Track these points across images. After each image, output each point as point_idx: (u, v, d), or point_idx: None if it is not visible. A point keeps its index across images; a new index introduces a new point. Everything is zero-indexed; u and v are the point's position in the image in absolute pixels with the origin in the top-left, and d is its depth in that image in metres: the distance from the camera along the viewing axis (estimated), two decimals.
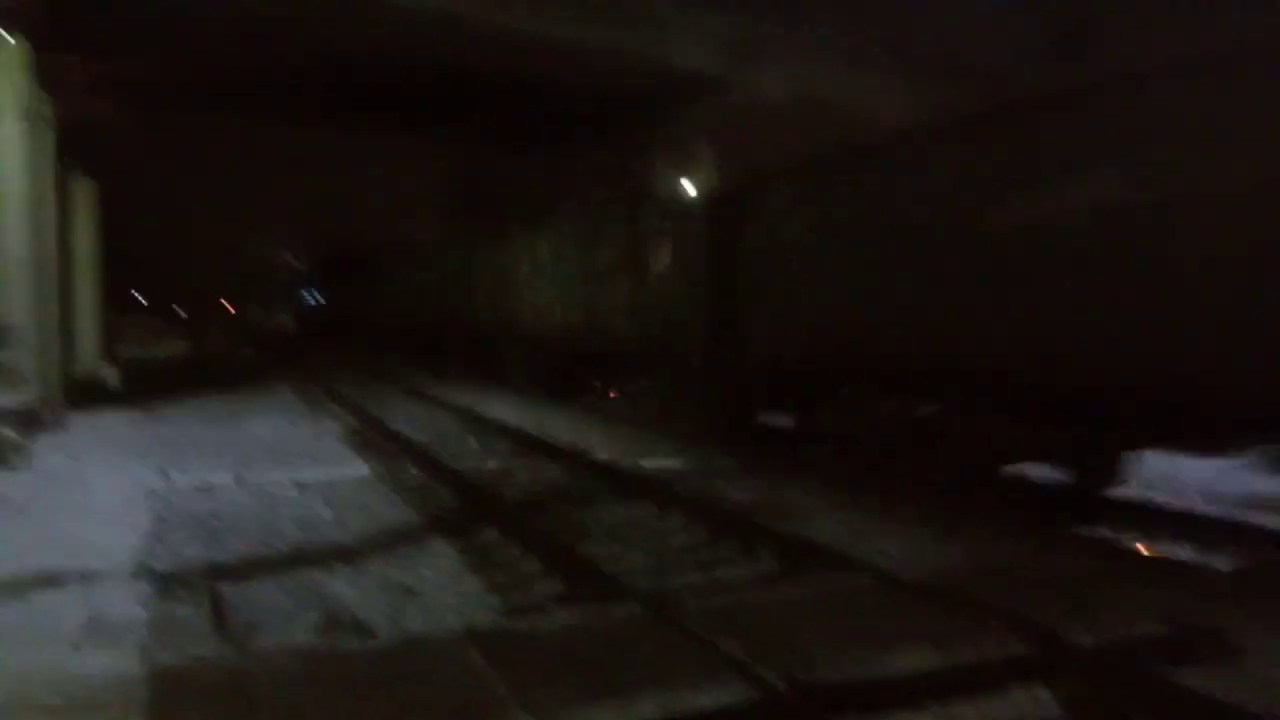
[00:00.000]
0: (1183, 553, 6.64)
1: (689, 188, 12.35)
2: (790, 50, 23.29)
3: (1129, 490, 7.79)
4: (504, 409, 14.45)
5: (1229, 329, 5.43)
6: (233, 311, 72.86)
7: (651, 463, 9.76)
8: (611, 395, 15.31)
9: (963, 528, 6.79)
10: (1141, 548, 6.68)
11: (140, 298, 59.42)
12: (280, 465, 9.54)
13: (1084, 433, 6.80)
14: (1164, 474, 8.26)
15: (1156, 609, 4.51)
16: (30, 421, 11.60)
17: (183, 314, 53.74)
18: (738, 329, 10.36)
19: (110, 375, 18.16)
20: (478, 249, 21.04)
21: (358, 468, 9.58)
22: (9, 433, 10.52)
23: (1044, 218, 6.36)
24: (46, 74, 14.31)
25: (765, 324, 9.96)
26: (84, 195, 20.00)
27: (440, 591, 5.52)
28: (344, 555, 6.20)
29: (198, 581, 5.39)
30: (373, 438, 11.68)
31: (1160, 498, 8.08)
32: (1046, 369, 6.62)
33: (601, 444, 10.90)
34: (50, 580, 5.33)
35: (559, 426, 12.51)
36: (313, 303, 48.20)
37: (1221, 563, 6.31)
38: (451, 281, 22.55)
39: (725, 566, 6.10)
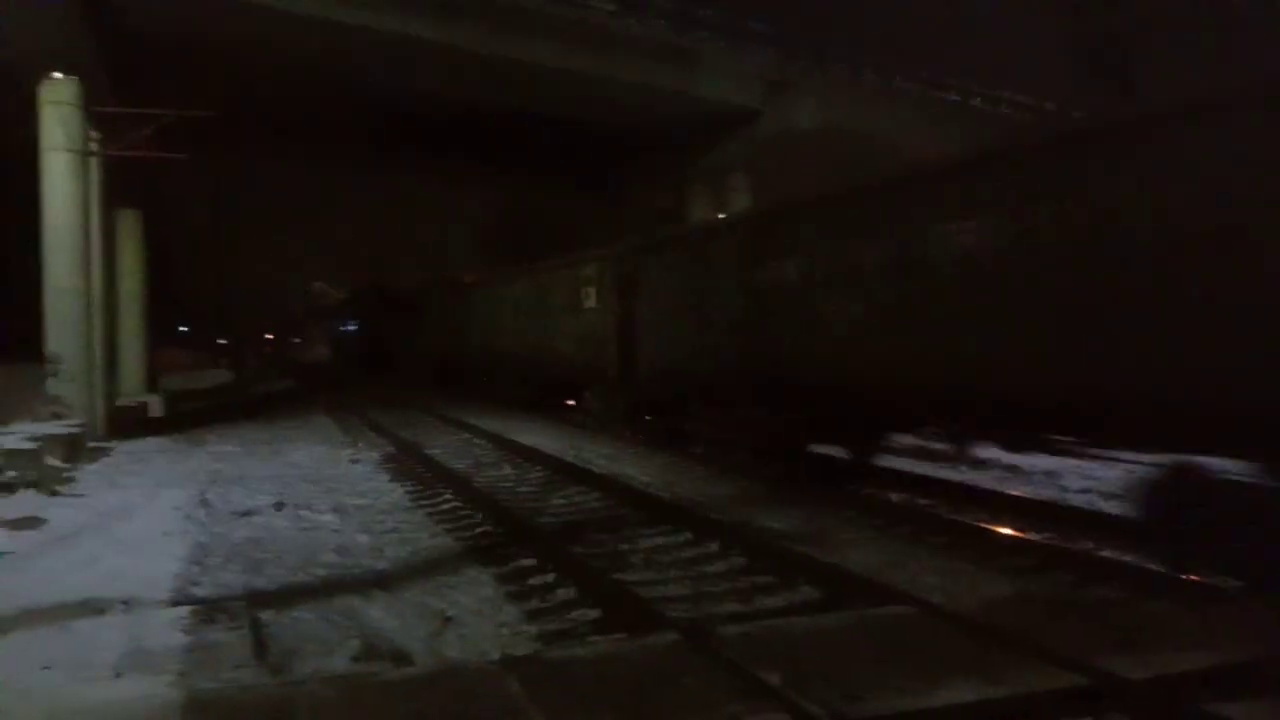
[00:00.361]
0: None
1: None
2: (821, 85, 23.35)
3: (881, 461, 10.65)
4: (538, 436, 14.46)
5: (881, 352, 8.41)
6: (272, 342, 73.79)
7: (693, 490, 9.70)
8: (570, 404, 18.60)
9: (1001, 559, 6.65)
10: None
11: (184, 328, 60.30)
12: (319, 493, 9.58)
13: (853, 421, 9.98)
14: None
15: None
16: (75, 449, 11.75)
17: (225, 345, 54.41)
18: (635, 352, 13.50)
19: (154, 404, 18.38)
20: (495, 288, 22.19)
21: (395, 494, 9.60)
22: (55, 461, 10.66)
23: (773, 280, 10.02)
24: (96, 111, 14.63)
25: (647, 348, 13.10)
26: (130, 227, 20.33)
27: (477, 619, 5.47)
28: (382, 582, 6.17)
29: (238, 609, 5.37)
30: (410, 465, 11.71)
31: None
32: (800, 374, 9.61)
33: (640, 471, 10.85)
34: (92, 607, 5.34)
35: (592, 452, 12.51)
36: (350, 334, 48.72)
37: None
38: (479, 316, 23.78)
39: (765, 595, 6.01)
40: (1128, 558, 6.64)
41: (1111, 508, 8.37)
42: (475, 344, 23.21)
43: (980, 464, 11.02)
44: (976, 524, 7.72)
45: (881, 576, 5.99)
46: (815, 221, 9.39)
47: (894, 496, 9.43)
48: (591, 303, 15.71)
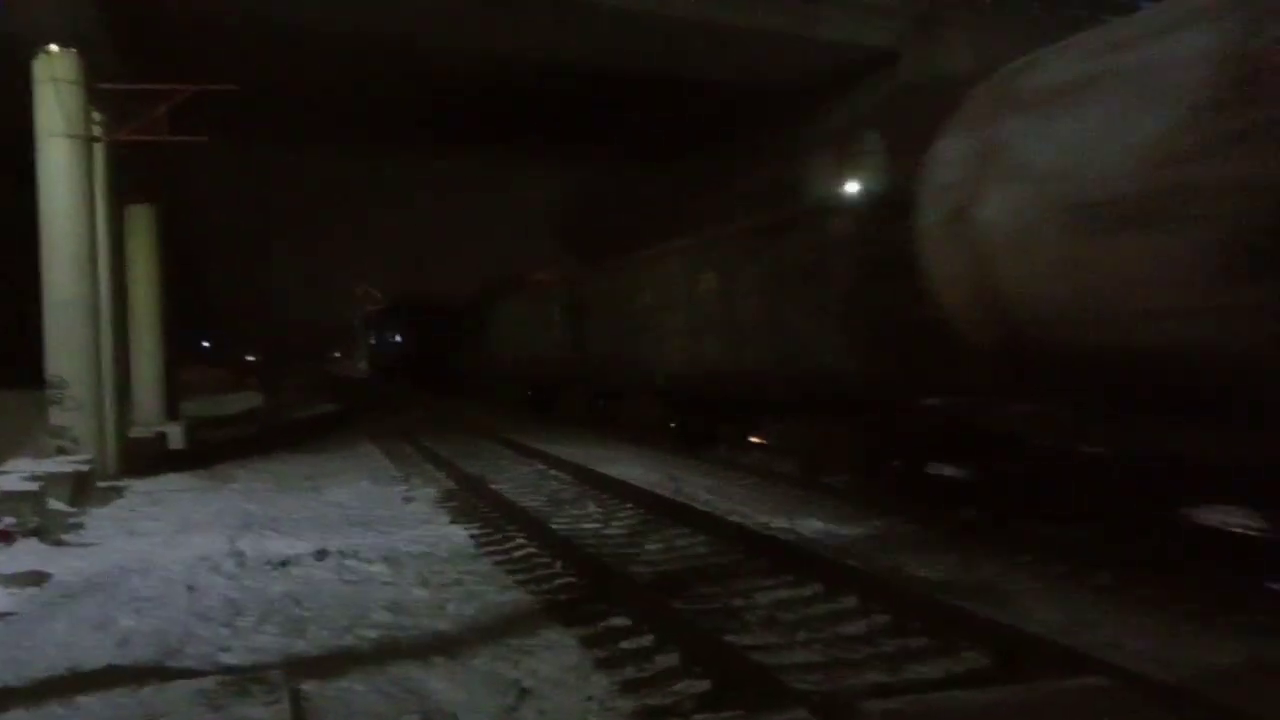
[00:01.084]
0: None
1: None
2: (974, 18, 22.93)
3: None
4: (628, 466, 14.48)
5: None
6: (309, 356, 75.84)
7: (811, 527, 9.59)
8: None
9: (1231, 613, 6.37)
10: None
11: (208, 344, 62.46)
12: (367, 537, 9.75)
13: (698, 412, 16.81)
14: None
15: None
16: (83, 489, 12.19)
17: (255, 362, 56.22)
18: (586, 356, 21.21)
19: (174, 434, 18.96)
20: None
21: (456, 539, 9.71)
22: (59, 504, 11.07)
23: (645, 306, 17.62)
24: (101, 89, 15.14)
25: (595, 352, 20.46)
26: (144, 226, 20.99)
27: (559, 691, 5.47)
28: (443, 646, 6.22)
29: (275, 679, 5.47)
30: (473, 502, 11.86)
31: None
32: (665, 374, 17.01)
33: (755, 507, 10.79)
34: (101, 679, 5.50)
35: (695, 485, 12.48)
36: (395, 346, 49.87)
37: None
38: (544, 323, 25.33)
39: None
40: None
41: None
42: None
43: None
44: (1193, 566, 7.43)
45: (1069, 638, 5.80)
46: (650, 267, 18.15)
47: (1085, 536, 9.13)
48: (555, 315, 23.96)
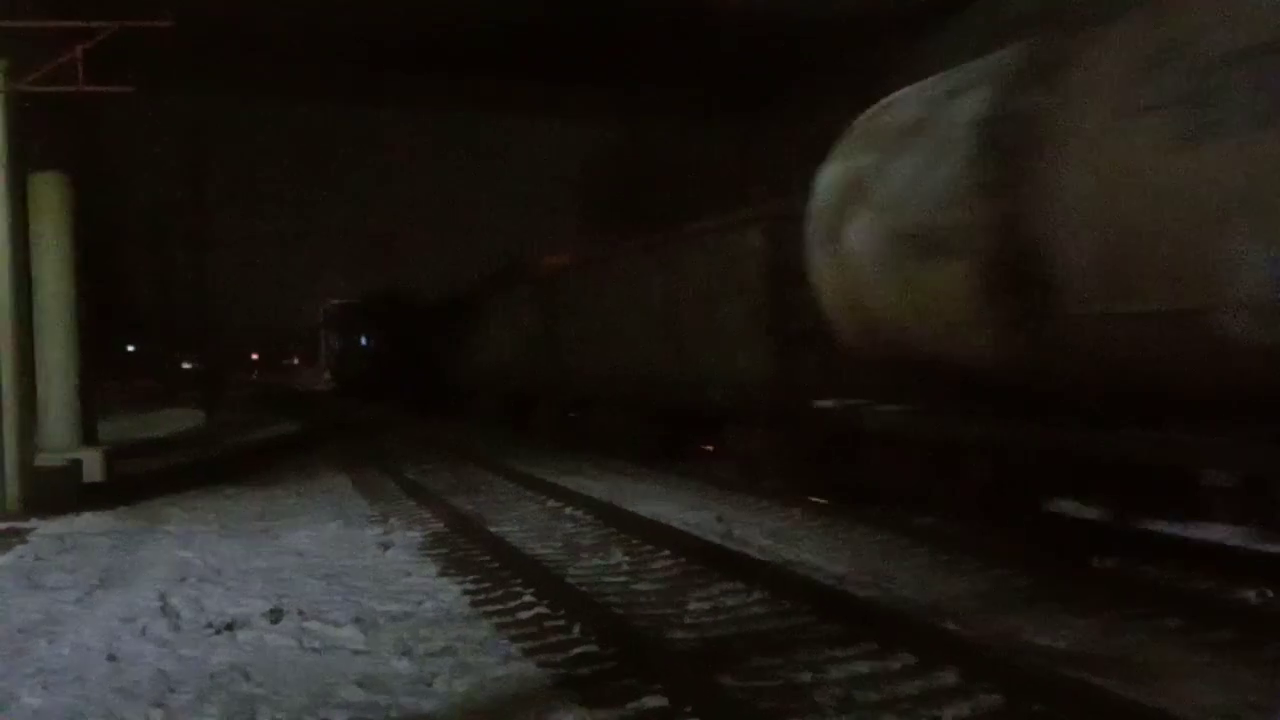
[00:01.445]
0: None
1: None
2: None
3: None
4: (662, 503, 14.47)
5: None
6: (257, 364, 76.32)
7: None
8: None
9: None
10: None
11: (135, 349, 62.90)
12: (335, 594, 9.75)
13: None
14: None
15: None
16: None
17: (194, 372, 56.49)
18: (560, 357, 24.68)
19: (91, 462, 18.97)
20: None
21: (447, 596, 9.69)
22: None
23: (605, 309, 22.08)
24: None
25: (566, 360, 24.24)
26: (54, 204, 21.00)
27: None
28: None
29: None
30: (468, 550, 11.86)
31: None
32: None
33: (827, 557, 10.73)
34: None
35: (750, 526, 12.47)
36: (364, 351, 49.97)
37: None
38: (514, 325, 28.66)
39: None
40: None
41: None
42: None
43: None
44: None
45: None
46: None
47: (1252, 596, 9.04)
48: (528, 319, 27.62)
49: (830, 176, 12.24)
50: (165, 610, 9.13)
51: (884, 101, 12.21)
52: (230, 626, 8.56)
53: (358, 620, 8.72)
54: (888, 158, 11.13)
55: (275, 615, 8.87)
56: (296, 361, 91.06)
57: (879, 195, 11.03)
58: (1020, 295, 9.20)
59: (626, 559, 11.40)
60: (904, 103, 11.66)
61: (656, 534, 12.23)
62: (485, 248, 43.45)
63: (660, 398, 19.58)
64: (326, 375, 63.11)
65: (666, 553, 11.50)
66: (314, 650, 7.94)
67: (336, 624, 8.61)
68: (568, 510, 14.81)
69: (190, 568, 11.11)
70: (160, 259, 47.24)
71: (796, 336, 14.49)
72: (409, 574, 10.71)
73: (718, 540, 11.58)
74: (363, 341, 51.14)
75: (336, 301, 60.66)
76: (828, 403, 13.21)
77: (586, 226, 38.13)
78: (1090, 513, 10.56)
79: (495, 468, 19.90)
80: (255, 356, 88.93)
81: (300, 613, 8.95)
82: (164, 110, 27.34)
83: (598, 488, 15.95)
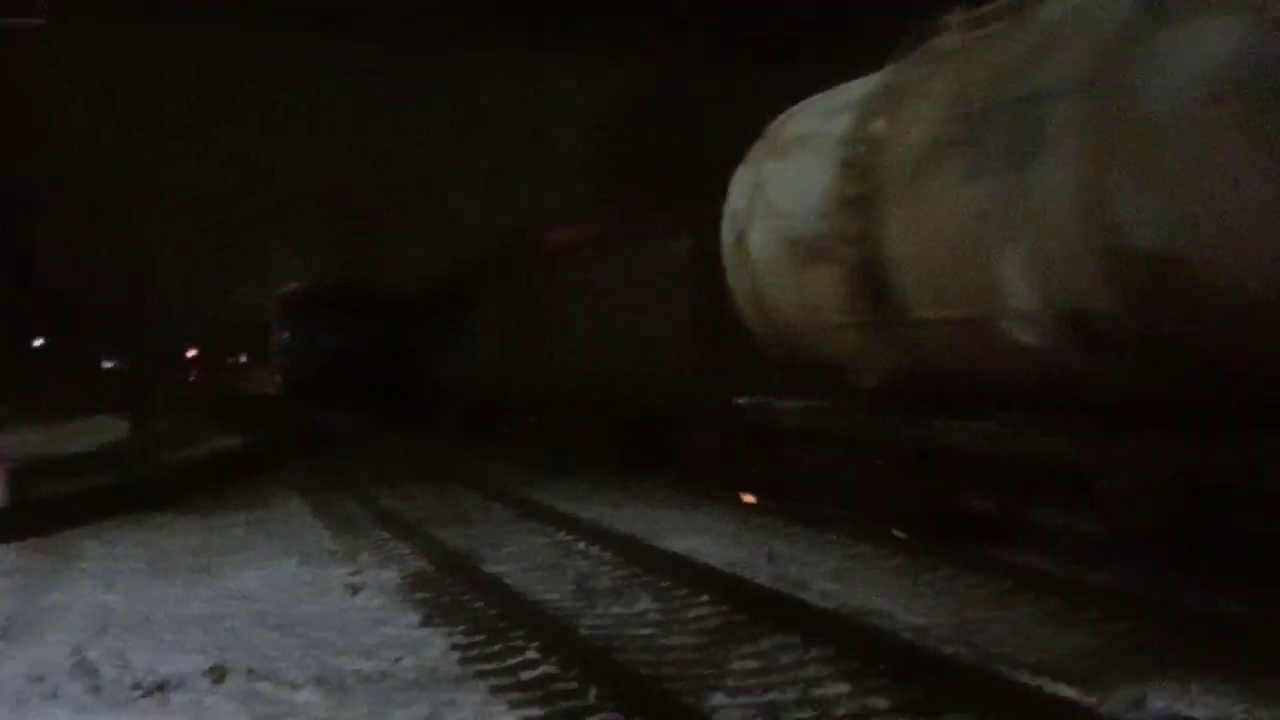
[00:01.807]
0: None
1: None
2: None
3: None
4: (698, 536, 14.49)
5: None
6: (198, 362, 76.54)
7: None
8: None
9: None
10: None
11: (43, 344, 63.02)
12: (291, 648, 9.80)
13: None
14: None
15: None
16: None
17: (118, 372, 56.58)
18: (530, 350, 27.74)
19: None
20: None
21: (431, 651, 9.73)
22: None
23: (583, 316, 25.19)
24: None
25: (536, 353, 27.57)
26: None
27: None
28: None
29: None
30: (455, 595, 11.92)
31: None
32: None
33: (905, 604, 10.76)
34: None
35: (806, 566, 12.47)
36: (326, 349, 49.68)
37: None
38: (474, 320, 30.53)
39: None
40: None
41: None
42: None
43: None
44: None
45: None
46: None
47: None
48: (516, 312, 29.56)
49: (741, 180, 15.83)
50: (82, 668, 9.15)
51: (791, 110, 15.76)
52: (162, 688, 8.59)
53: (319, 681, 8.76)
54: (784, 166, 14.87)
55: (218, 674, 8.91)
56: (244, 359, 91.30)
57: (776, 201, 14.71)
58: (876, 300, 12.55)
59: (654, 605, 11.43)
60: (804, 112, 15.39)
61: (691, 574, 12.26)
62: (478, 224, 43.40)
63: (618, 400, 22.88)
64: (276, 377, 62.97)
65: (704, 598, 11.50)
66: (266, 718, 7.99)
67: (293, 685, 8.65)
68: (579, 544, 14.87)
69: (113, 615, 11.15)
70: (82, 235, 47.26)
71: (721, 335, 17.51)
72: (384, 623, 10.75)
73: (767, 582, 11.60)
74: (319, 336, 50.79)
75: (288, 287, 60.31)
76: (745, 399, 16.62)
77: (606, 193, 38.05)
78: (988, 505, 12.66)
79: (488, 490, 19.94)
80: (193, 353, 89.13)
81: (249, 671, 8.99)
82: (88, 44, 27.18)
83: (619, 516, 15.95)
